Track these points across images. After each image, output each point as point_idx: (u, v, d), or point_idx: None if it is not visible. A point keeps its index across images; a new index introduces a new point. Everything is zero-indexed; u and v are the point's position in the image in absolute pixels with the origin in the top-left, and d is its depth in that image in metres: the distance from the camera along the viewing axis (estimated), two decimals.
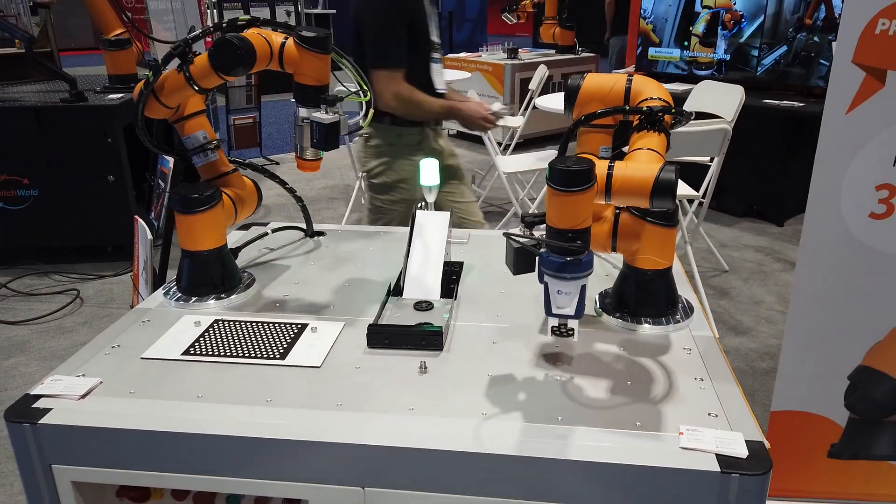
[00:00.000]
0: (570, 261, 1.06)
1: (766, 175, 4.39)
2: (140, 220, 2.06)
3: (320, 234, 1.85)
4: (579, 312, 1.11)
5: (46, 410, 1.10)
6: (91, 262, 3.80)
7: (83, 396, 1.13)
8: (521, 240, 1.09)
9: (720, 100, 3.53)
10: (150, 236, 1.93)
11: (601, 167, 1.10)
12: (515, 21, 6.93)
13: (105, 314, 3.23)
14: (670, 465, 0.96)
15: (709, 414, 1.07)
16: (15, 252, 3.83)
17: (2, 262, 3.78)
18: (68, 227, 3.73)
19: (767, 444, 1.01)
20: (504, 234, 1.12)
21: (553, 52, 6.93)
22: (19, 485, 2.13)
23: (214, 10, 9.84)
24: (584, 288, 1.10)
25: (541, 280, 1.11)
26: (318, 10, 12.62)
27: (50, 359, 2.85)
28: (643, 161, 1.15)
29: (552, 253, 1.07)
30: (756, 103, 4.24)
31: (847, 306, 1.69)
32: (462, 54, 7.07)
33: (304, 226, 1.83)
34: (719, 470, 0.95)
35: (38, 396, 1.13)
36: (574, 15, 6.90)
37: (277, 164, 6.26)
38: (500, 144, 5.21)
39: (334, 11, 13.13)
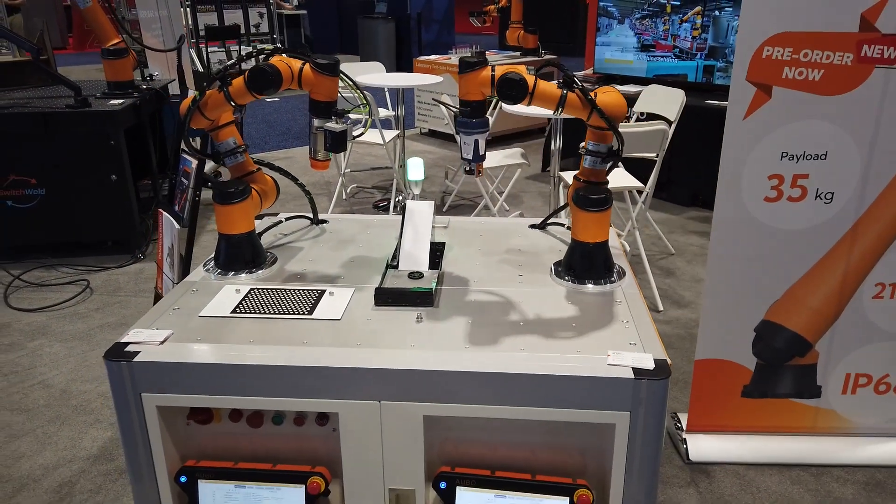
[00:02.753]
0: (467, 121, 1.59)
1: (710, 168, 4.83)
2: (164, 213, 2.40)
3: (324, 221, 2.22)
4: (476, 159, 1.63)
5: (136, 352, 1.45)
6: (94, 256, 4.09)
7: (162, 342, 1.49)
8: (452, 108, 1.65)
9: (664, 103, 3.96)
10: (177, 226, 2.27)
11: (498, 72, 1.56)
12: (481, 25, 7.32)
13: (115, 301, 3.54)
14: (601, 375, 1.36)
15: (630, 343, 1.47)
16: (24, 247, 4.11)
17: (12, 257, 4.05)
18: (73, 223, 4.00)
19: (669, 361, 1.41)
20: (434, 100, 1.88)
21: (518, 54, 7.35)
22: (63, 443, 2.45)
23: (188, 11, 10.02)
24: (477, 142, 1.61)
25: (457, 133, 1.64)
26: (290, 11, 12.87)
27: (70, 340, 3.16)
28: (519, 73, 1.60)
29: (460, 116, 1.60)
30: (699, 103, 4.69)
31: (750, 272, 2.11)
32: (432, 56, 7.44)
33: (310, 215, 2.20)
34: (633, 377, 1.35)
35: (127, 343, 1.48)
36: (537, 19, 7.32)
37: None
38: None
39: (305, 12, 13.40)
